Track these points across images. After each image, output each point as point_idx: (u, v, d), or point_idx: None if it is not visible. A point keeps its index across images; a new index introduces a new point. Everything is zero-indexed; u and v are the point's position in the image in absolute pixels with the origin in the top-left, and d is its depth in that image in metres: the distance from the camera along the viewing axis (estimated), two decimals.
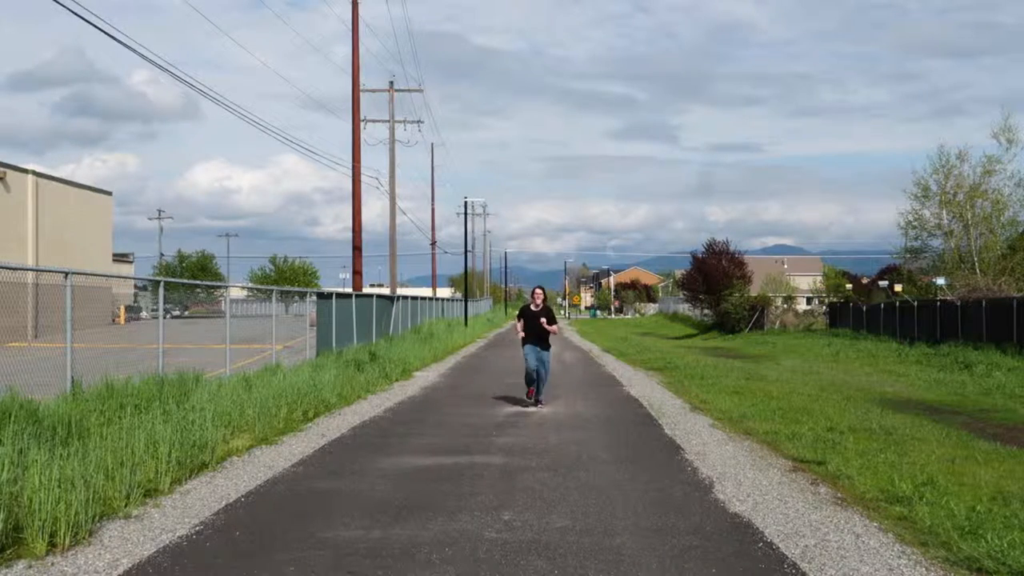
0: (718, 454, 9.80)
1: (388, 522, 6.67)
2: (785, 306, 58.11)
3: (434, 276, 66.07)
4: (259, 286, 58.62)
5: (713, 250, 58.69)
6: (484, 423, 12.48)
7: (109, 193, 51.11)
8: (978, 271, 36.33)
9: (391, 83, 41.29)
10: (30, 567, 5.49)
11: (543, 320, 13.99)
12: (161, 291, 13.48)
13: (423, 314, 40.80)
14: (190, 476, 8.26)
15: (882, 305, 38.70)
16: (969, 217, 37.56)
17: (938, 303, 32.09)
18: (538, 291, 14.30)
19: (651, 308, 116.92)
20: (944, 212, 38.63)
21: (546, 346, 14.20)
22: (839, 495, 7.58)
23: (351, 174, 29.45)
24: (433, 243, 63.07)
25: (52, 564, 5.56)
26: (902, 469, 8.31)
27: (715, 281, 55.90)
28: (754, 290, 59.68)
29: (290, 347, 19.43)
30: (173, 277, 64.24)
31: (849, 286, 64.49)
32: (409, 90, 42.62)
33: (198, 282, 41.27)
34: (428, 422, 12.72)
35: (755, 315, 51.86)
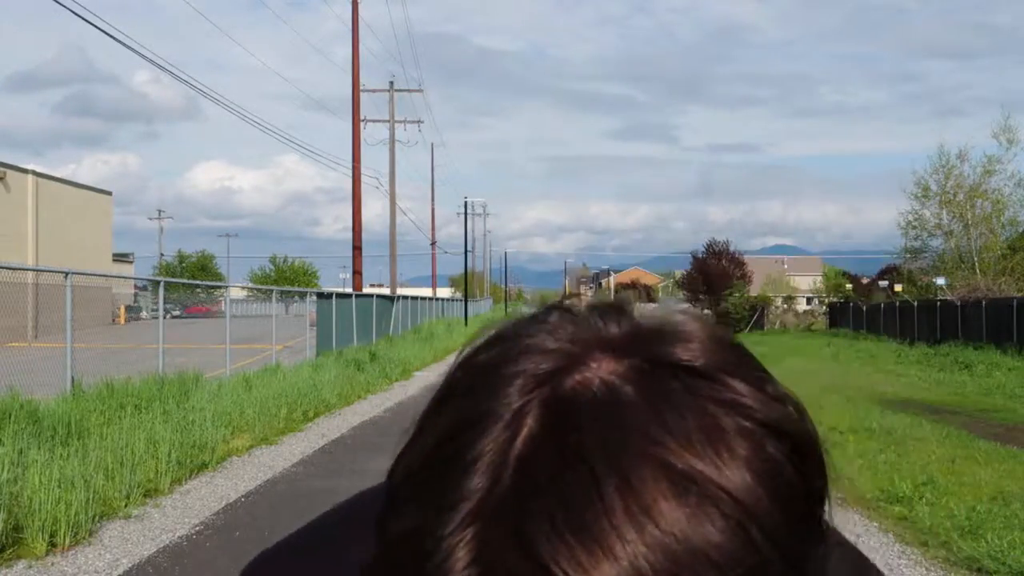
0: None
1: None
2: (785, 306, 58.19)
3: (434, 276, 66.10)
4: (259, 286, 58.71)
5: (713, 250, 58.76)
6: None
7: (109, 193, 51.11)
8: (978, 271, 36.34)
9: (391, 83, 41.32)
10: (30, 567, 5.49)
11: None
12: (161, 291, 13.50)
13: (423, 314, 40.82)
14: (190, 476, 8.26)
15: (882, 305, 38.73)
16: (969, 217, 37.57)
17: (938, 303, 32.10)
18: None
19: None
20: (944, 212, 38.64)
21: None
22: (839, 495, 7.54)
23: (351, 174, 29.48)
24: (433, 243, 63.14)
25: (52, 564, 5.56)
26: (902, 469, 8.31)
27: (715, 281, 55.93)
28: (754, 290, 59.74)
29: (290, 347, 19.44)
30: (173, 277, 64.31)
31: (849, 286, 64.51)
32: (409, 90, 42.67)
33: (198, 282, 41.30)
34: None
35: (755, 315, 51.89)
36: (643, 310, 0.48)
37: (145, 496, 7.31)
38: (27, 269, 11.86)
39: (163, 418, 9.38)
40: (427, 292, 60.87)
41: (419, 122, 43.65)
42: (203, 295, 57.65)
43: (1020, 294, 30.36)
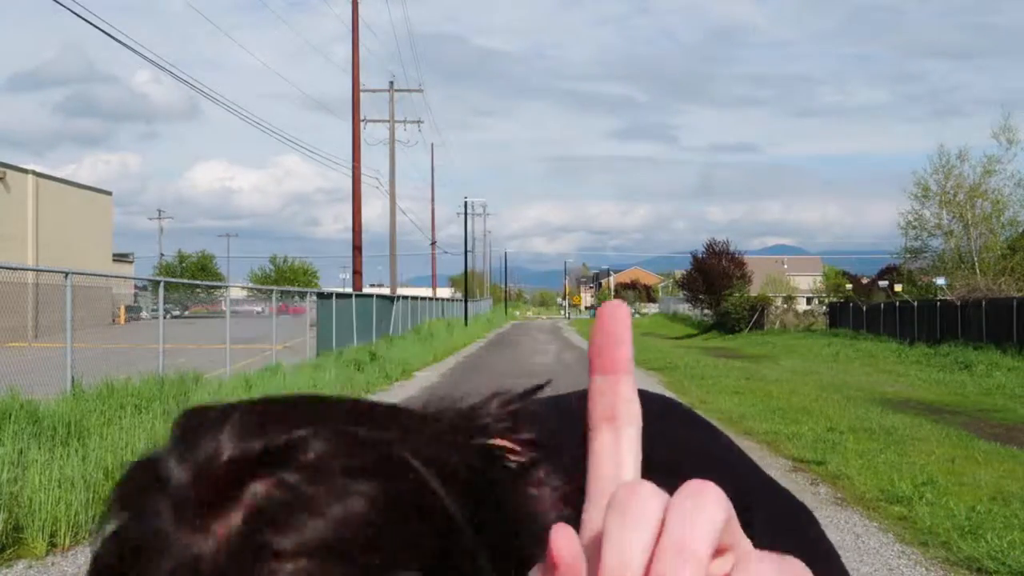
0: None
1: None
2: (785, 306, 58.12)
3: (434, 276, 66.12)
4: (259, 286, 58.74)
5: (713, 250, 58.78)
6: None
7: (109, 193, 51.14)
8: (978, 271, 36.34)
9: (391, 83, 41.34)
10: (30, 567, 5.49)
11: None
12: (161, 291, 13.50)
13: (423, 314, 40.82)
14: None
15: (882, 305, 38.73)
16: (969, 217, 37.57)
17: (938, 303, 32.11)
18: None
19: (651, 308, 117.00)
20: (944, 212, 38.64)
21: None
22: (839, 495, 7.58)
23: (351, 174, 29.49)
24: (433, 243, 63.16)
25: (52, 564, 5.56)
26: (902, 469, 8.31)
27: (715, 281, 55.96)
28: (754, 290, 59.74)
29: (290, 347, 19.44)
30: (173, 277, 64.34)
31: (849, 286, 64.55)
32: (409, 90, 42.70)
33: (198, 282, 41.31)
34: None
35: (755, 315, 51.88)
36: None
37: None
38: (27, 269, 11.87)
39: (163, 418, 9.38)
40: (427, 292, 60.91)
41: (419, 122, 43.67)
42: (203, 295, 57.66)
43: (1020, 294, 30.36)
